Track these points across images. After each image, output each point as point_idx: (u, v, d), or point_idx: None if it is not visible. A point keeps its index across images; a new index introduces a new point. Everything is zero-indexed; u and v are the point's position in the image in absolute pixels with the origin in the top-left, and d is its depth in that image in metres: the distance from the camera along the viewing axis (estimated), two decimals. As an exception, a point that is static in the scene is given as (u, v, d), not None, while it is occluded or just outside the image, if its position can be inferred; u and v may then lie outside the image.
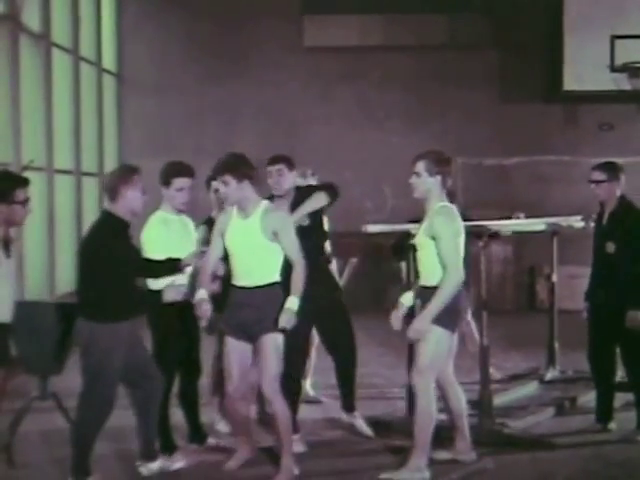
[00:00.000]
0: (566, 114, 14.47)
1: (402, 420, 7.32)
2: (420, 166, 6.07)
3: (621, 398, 7.38)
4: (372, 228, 7.33)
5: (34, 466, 6.34)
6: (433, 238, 5.96)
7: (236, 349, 6.09)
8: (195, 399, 6.68)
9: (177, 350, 6.38)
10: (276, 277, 6.06)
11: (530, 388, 8.42)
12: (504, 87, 14.51)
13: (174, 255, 6.09)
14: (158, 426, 6.21)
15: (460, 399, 6.36)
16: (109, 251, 5.77)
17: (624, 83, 13.48)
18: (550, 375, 8.70)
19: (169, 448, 6.38)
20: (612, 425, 7.08)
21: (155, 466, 6.07)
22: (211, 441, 6.75)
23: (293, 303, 5.93)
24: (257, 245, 5.98)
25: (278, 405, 6.00)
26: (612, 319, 6.85)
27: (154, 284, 6.18)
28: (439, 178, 6.05)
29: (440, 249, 5.94)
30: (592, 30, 13.50)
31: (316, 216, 6.87)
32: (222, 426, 7.12)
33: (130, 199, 5.81)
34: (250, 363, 6.13)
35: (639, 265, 6.79)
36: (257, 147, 14.24)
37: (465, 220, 6.42)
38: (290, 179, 6.78)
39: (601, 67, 13.39)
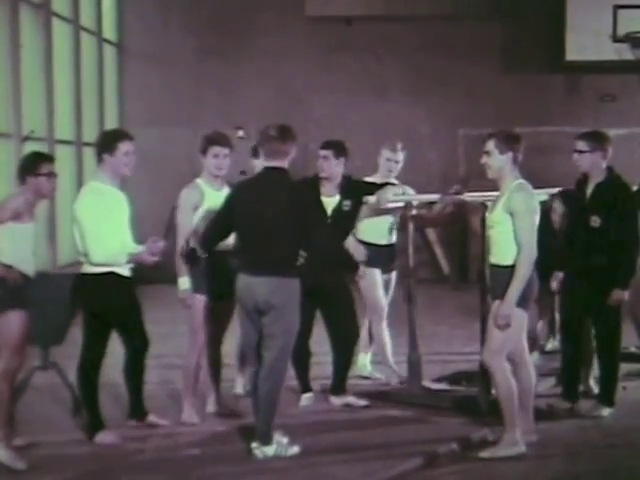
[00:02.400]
0: (568, 84, 14.42)
1: (404, 390, 7.41)
2: (490, 145, 6.05)
3: (622, 368, 7.41)
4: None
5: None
6: (511, 214, 5.92)
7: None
8: (139, 374, 6.59)
9: (111, 326, 6.35)
10: None
11: (530, 359, 8.42)
12: (506, 57, 14.46)
13: (106, 225, 6.17)
14: (85, 400, 6.28)
15: (531, 378, 6.25)
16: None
17: (626, 53, 13.43)
18: (550, 346, 8.71)
19: (97, 425, 6.33)
20: (581, 403, 6.96)
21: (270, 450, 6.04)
22: (151, 418, 6.66)
23: None
24: None
25: None
26: (593, 294, 6.72)
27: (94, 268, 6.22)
28: (510, 155, 6.01)
29: (517, 226, 5.89)
30: (594, 0, 13.44)
31: (357, 205, 7.18)
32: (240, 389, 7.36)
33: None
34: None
35: (626, 242, 6.64)
36: (257, 118, 14.20)
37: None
38: (335, 165, 7.12)
39: (603, 37, 13.34)
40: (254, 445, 6.01)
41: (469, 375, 7.56)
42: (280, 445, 6.01)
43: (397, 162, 7.82)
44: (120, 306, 6.31)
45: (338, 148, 7.15)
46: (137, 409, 6.64)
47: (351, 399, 7.20)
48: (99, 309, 6.24)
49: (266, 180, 6.04)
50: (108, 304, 6.23)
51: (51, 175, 6.10)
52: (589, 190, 6.83)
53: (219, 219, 6.16)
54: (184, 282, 6.58)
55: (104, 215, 6.19)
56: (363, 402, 7.19)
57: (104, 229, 6.16)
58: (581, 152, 6.76)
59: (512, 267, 5.91)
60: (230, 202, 6.10)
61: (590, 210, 6.76)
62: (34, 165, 6.07)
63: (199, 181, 6.73)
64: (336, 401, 7.20)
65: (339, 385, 7.23)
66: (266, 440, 5.98)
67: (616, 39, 13.35)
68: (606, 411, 6.86)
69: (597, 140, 6.78)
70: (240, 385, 7.44)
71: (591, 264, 6.74)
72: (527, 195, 5.99)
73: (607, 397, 6.90)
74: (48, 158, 6.25)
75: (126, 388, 6.63)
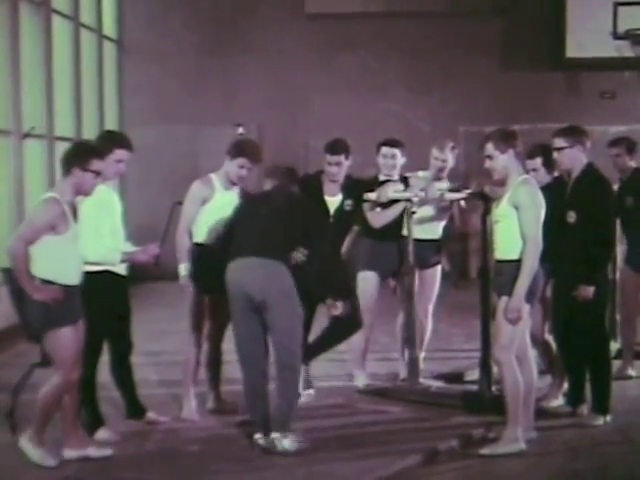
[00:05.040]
0: (568, 82, 14.42)
1: (403, 387, 7.44)
2: (489, 148, 6.06)
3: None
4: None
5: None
6: (516, 208, 5.93)
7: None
8: (128, 374, 6.57)
9: (107, 325, 6.32)
10: None
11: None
12: (506, 55, 14.46)
13: (99, 224, 6.12)
14: (84, 397, 6.22)
15: (532, 374, 6.19)
16: None
17: (627, 50, 13.43)
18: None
19: (96, 422, 6.34)
20: (583, 409, 6.78)
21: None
22: (151, 415, 6.66)
23: None
24: None
25: None
26: (572, 295, 6.52)
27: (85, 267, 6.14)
28: (511, 152, 6.05)
29: (522, 219, 5.91)
30: (595, -4, 13.46)
31: (358, 204, 7.24)
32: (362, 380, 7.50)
33: None
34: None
35: (600, 238, 6.45)
36: (257, 115, 14.23)
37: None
38: (345, 168, 7.19)
39: (604, 34, 13.33)
40: (275, 436, 5.99)
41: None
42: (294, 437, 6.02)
43: (444, 161, 7.61)
44: (113, 305, 6.29)
45: (347, 150, 7.15)
46: (134, 408, 6.63)
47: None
48: (93, 307, 6.16)
49: (267, 191, 6.45)
50: (102, 302, 6.18)
51: (98, 174, 5.78)
52: (569, 187, 6.60)
53: (226, 229, 6.40)
54: (184, 269, 6.59)
55: (96, 213, 6.12)
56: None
57: (97, 227, 6.12)
58: (560, 149, 6.59)
59: (518, 261, 5.92)
60: (234, 212, 6.43)
61: (568, 206, 6.56)
62: (86, 158, 5.70)
63: (213, 176, 6.74)
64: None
65: (312, 355, 6.93)
66: (286, 428, 5.98)
67: (616, 36, 13.35)
68: (600, 420, 6.62)
69: (575, 134, 6.61)
70: (360, 379, 7.48)
71: (565, 261, 6.55)
72: (532, 189, 6.03)
73: (600, 406, 6.67)
74: (99, 154, 5.85)
75: (118, 390, 6.61)
